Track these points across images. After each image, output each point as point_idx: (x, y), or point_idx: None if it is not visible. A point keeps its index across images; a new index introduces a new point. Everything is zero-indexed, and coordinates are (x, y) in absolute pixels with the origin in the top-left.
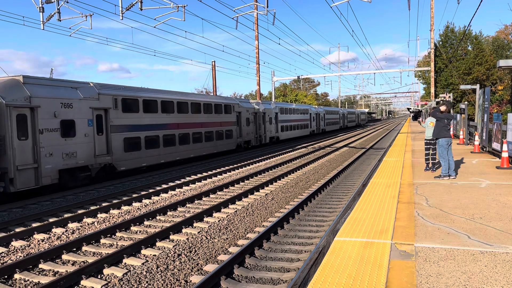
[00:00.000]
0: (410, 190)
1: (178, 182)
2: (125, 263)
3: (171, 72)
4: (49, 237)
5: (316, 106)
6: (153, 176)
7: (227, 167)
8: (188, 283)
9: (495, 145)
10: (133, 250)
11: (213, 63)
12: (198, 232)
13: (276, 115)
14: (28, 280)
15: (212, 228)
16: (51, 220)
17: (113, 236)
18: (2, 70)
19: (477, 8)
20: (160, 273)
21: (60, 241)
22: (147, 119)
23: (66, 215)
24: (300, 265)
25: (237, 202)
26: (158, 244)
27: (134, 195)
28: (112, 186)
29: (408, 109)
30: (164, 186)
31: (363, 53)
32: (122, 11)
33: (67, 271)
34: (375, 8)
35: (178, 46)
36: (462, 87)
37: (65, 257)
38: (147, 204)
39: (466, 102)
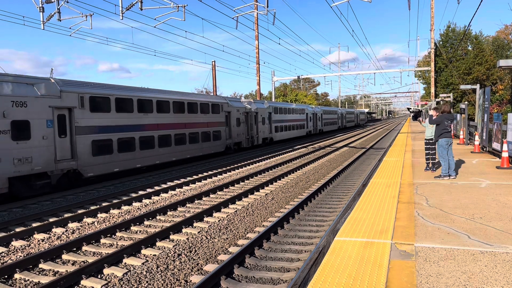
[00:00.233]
0: (410, 190)
1: (178, 182)
2: (125, 263)
3: (171, 72)
4: (49, 237)
5: (313, 106)
6: (153, 176)
7: (227, 167)
8: (188, 283)
9: (495, 145)
10: (133, 250)
11: (213, 63)
12: (198, 232)
13: (269, 115)
14: (28, 280)
15: (212, 228)
16: (51, 220)
17: (113, 236)
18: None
19: (477, 8)
20: (160, 273)
21: (60, 241)
22: (120, 120)
23: (66, 215)
24: (300, 265)
25: (237, 202)
26: (158, 244)
27: (134, 195)
28: (112, 186)
29: (408, 109)
30: (164, 186)
31: (363, 53)
32: (122, 11)
33: (67, 271)
34: (375, 8)
35: (178, 46)
36: (462, 87)
37: (65, 257)
38: (147, 204)
39: (466, 102)
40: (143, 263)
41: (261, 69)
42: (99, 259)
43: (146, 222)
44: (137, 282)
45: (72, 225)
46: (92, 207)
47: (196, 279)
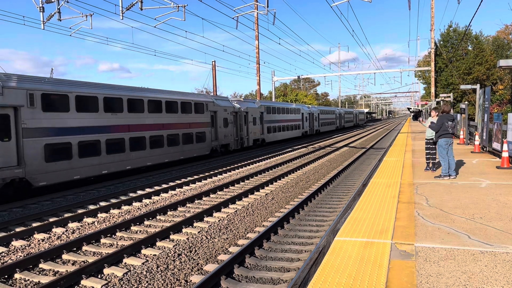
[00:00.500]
0: (410, 190)
1: (178, 182)
2: (125, 263)
3: (172, 72)
4: (49, 236)
5: (309, 106)
6: (153, 176)
7: (227, 167)
8: (188, 283)
9: (495, 145)
10: (133, 250)
11: (213, 63)
12: (198, 232)
13: (261, 115)
14: (28, 279)
15: (212, 228)
16: (51, 219)
17: (113, 236)
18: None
19: (477, 8)
20: (160, 272)
21: (60, 240)
22: (82, 120)
23: (66, 215)
24: (300, 265)
25: (237, 202)
26: (158, 244)
27: (134, 195)
28: (113, 186)
29: (409, 109)
30: (164, 186)
31: (363, 53)
32: (122, 11)
33: (67, 270)
34: (375, 8)
35: (178, 46)
36: (463, 87)
37: (65, 256)
38: (147, 204)
39: (466, 102)
40: (143, 263)
41: (261, 69)
42: (99, 259)
43: (146, 222)
44: (137, 282)
45: (72, 225)
46: (92, 207)
47: (196, 279)
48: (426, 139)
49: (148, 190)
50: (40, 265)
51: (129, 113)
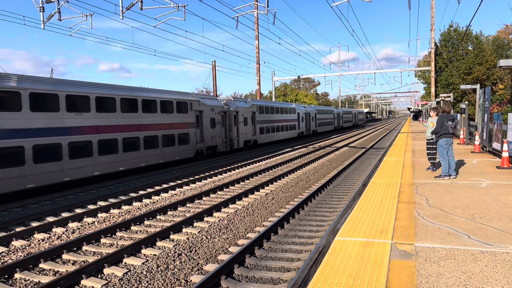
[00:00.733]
0: (411, 190)
1: (178, 181)
2: (125, 263)
3: (172, 72)
4: (50, 236)
5: (306, 105)
6: (153, 176)
7: (227, 167)
8: (188, 283)
9: (496, 145)
10: (134, 249)
11: (213, 62)
12: (199, 232)
13: (253, 115)
14: (28, 279)
15: (213, 228)
16: (51, 219)
17: (113, 235)
18: (2, 69)
19: (477, 8)
20: (160, 272)
21: (61, 240)
22: (38, 121)
23: (66, 215)
24: (300, 264)
25: (237, 202)
26: (159, 243)
27: (134, 195)
28: (113, 185)
29: (409, 108)
30: (164, 185)
31: (364, 53)
32: (122, 11)
33: (67, 270)
34: (376, 8)
35: (179, 45)
36: (463, 87)
37: (65, 256)
38: (147, 204)
39: (466, 102)
40: (143, 263)
41: (261, 69)
42: (99, 259)
43: (146, 222)
44: (138, 282)
45: (72, 225)
46: (92, 207)
47: (196, 278)
48: (427, 139)
49: (148, 190)
50: (40, 265)
51: (98, 113)
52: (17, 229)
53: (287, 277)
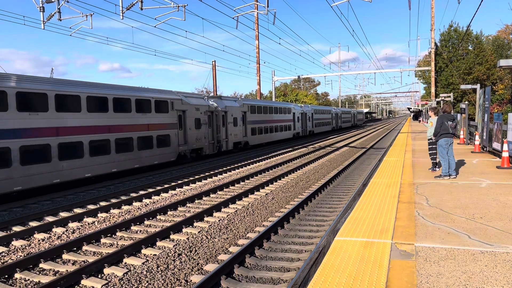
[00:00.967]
0: (411, 189)
1: (178, 181)
2: (125, 263)
3: (172, 72)
4: (50, 236)
5: (302, 105)
6: (153, 176)
7: (227, 167)
8: (188, 283)
9: (496, 145)
10: (134, 249)
11: (213, 62)
12: (199, 232)
13: (243, 115)
14: (28, 279)
15: (213, 228)
16: (51, 219)
17: (113, 235)
18: (2, 69)
19: (478, 8)
20: (160, 272)
21: (61, 240)
22: None
23: (66, 215)
24: (300, 264)
25: (237, 202)
26: (159, 243)
27: (135, 195)
28: (113, 185)
29: (409, 108)
30: (164, 185)
31: (364, 53)
32: (122, 11)
33: (67, 270)
34: (376, 8)
35: (179, 45)
36: (463, 86)
37: (65, 256)
38: (147, 204)
39: (466, 102)
40: (143, 263)
41: (262, 69)
42: (99, 259)
43: (146, 222)
44: (138, 281)
45: (72, 225)
46: (92, 207)
47: (196, 278)
48: (428, 139)
49: (148, 190)
50: (40, 265)
51: (58, 113)
52: (17, 229)
53: (287, 277)
